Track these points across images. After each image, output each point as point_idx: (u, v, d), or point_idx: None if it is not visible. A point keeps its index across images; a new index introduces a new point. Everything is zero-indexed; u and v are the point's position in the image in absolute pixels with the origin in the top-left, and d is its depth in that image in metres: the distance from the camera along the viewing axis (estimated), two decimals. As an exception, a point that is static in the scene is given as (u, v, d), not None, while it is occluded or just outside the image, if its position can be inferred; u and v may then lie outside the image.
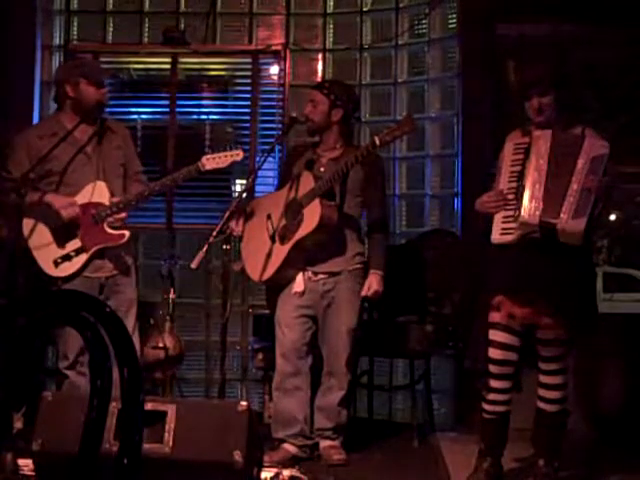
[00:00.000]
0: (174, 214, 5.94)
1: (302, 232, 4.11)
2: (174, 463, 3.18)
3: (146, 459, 2.16)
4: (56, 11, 6.03)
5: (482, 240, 3.73)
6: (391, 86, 5.85)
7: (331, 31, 5.97)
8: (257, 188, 5.36)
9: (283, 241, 4.16)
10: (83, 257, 4.03)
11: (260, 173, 4.61)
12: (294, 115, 4.36)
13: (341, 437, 4.25)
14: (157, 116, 6.14)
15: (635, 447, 4.33)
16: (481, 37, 5.45)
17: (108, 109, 4.57)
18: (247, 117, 5.99)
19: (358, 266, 4.27)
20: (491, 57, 5.47)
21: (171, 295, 5.13)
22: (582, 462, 4.10)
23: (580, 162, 3.49)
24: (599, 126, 3.83)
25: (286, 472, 3.82)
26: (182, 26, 5.97)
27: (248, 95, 6.02)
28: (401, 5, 5.84)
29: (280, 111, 5.91)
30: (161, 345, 4.93)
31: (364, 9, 5.92)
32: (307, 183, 4.15)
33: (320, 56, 5.95)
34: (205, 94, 6.25)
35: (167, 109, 6.00)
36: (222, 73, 6.27)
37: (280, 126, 5.80)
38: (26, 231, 3.99)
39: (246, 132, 5.99)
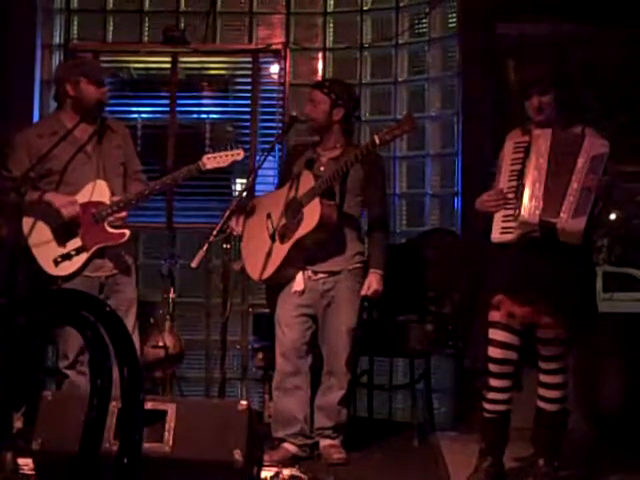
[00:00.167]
0: (174, 213, 5.94)
1: (302, 231, 4.11)
2: (174, 462, 3.18)
3: (146, 458, 2.16)
4: (56, 10, 6.03)
5: (482, 239, 3.73)
6: (391, 85, 5.85)
7: (331, 30, 5.97)
8: (257, 187, 5.36)
9: (283, 240, 4.16)
10: (83, 256, 4.02)
11: (260, 172, 4.61)
12: (294, 114, 4.36)
13: (341, 436, 4.25)
14: (157, 115, 6.15)
15: (635, 447, 4.33)
16: (481, 36, 5.45)
17: (108, 108, 4.58)
18: (247, 116, 5.99)
19: (358, 265, 4.27)
20: (491, 56, 5.47)
21: (171, 294, 5.13)
22: (582, 462, 4.10)
23: (580, 161, 3.49)
24: (599, 125, 3.83)
25: (286, 471, 3.82)
26: (182, 25, 5.97)
27: (248, 94, 6.02)
28: (401, 4, 5.84)
29: (280, 110, 5.92)
30: (161, 344, 4.93)
31: (364, 8, 5.92)
32: (307, 182, 4.15)
33: (320, 55, 5.95)
34: (205, 93, 6.25)
35: (167, 108, 6.00)
36: (222, 72, 6.27)
37: (280, 125, 5.81)
38: (26, 230, 3.98)
39: (246, 131, 6.00)
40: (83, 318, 1.91)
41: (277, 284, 4.28)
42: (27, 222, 3.99)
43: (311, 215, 4.08)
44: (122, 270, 4.15)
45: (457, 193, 5.51)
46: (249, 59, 6.00)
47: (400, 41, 5.84)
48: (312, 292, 4.22)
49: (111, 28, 6.04)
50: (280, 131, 5.56)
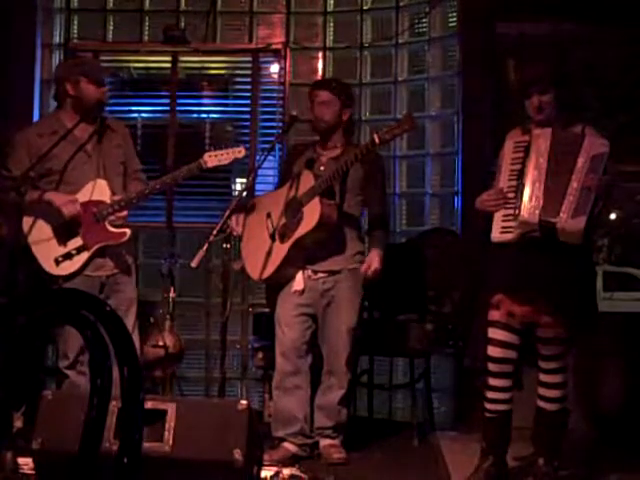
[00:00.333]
0: (174, 213, 5.94)
1: (302, 230, 4.11)
2: (174, 462, 3.18)
3: (146, 458, 2.16)
4: (56, 9, 6.03)
5: (482, 239, 3.73)
6: (391, 85, 5.85)
7: (331, 30, 5.97)
8: (257, 187, 5.36)
9: (283, 240, 4.16)
10: (84, 255, 4.02)
11: (260, 172, 4.61)
12: (294, 114, 4.35)
13: (341, 436, 4.25)
14: (157, 115, 6.14)
15: (635, 447, 4.33)
16: (481, 36, 5.45)
17: (108, 108, 4.58)
18: (247, 116, 5.99)
19: (358, 265, 4.26)
20: (491, 56, 5.47)
21: (171, 294, 5.13)
22: (582, 461, 4.10)
23: (580, 161, 3.49)
24: (599, 125, 3.83)
25: (286, 471, 3.82)
26: (182, 25, 5.97)
27: (248, 94, 6.02)
28: (401, 4, 5.84)
29: (280, 110, 5.91)
30: (161, 344, 4.93)
31: (364, 7, 5.92)
32: (307, 182, 4.15)
33: (320, 55, 5.95)
34: (205, 93, 6.25)
35: (167, 108, 6.00)
36: (222, 72, 6.27)
37: (280, 125, 5.80)
38: (26, 229, 3.98)
39: (246, 131, 5.99)
40: (83, 318, 1.91)
41: (277, 283, 4.28)
42: (27, 221, 3.99)
43: (311, 214, 4.08)
44: (122, 269, 4.15)
45: (457, 192, 5.51)
46: (249, 59, 6.00)
47: (400, 40, 5.83)
48: (312, 291, 4.22)
49: (111, 27, 6.04)
50: (280, 131, 5.57)
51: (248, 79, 6.03)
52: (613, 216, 13.69)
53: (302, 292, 4.21)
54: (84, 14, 6.08)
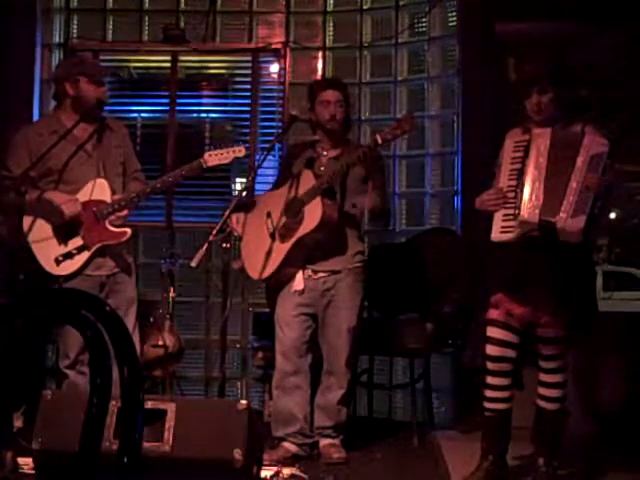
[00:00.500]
0: (174, 212, 5.94)
1: (303, 231, 4.11)
2: (174, 461, 3.18)
3: (146, 458, 2.16)
4: (56, 9, 6.03)
5: (482, 238, 3.73)
6: (391, 84, 5.85)
7: (331, 29, 5.97)
8: (257, 187, 5.36)
9: (283, 239, 4.15)
10: (85, 255, 4.01)
11: (260, 171, 4.61)
12: (294, 113, 4.34)
13: (341, 436, 4.25)
14: (157, 114, 6.15)
15: (635, 447, 4.33)
16: (481, 35, 5.45)
17: (108, 107, 4.58)
18: (247, 115, 5.99)
19: (358, 265, 4.27)
20: (491, 55, 5.47)
21: (171, 293, 5.13)
22: (582, 461, 4.10)
23: (580, 160, 3.49)
24: (599, 125, 3.83)
25: (286, 470, 3.82)
26: (182, 24, 5.97)
27: (248, 93, 6.02)
28: (401, 3, 5.84)
29: (280, 109, 5.91)
30: (161, 343, 4.93)
31: (364, 7, 5.92)
32: (307, 181, 4.15)
33: (320, 54, 5.95)
34: (205, 92, 6.25)
35: (167, 107, 6.00)
36: (222, 71, 6.27)
37: (280, 124, 5.81)
38: (26, 229, 3.98)
39: (246, 130, 5.99)
40: (83, 317, 1.91)
41: (277, 283, 4.28)
42: (27, 221, 3.98)
43: (312, 215, 4.08)
44: (123, 269, 4.15)
45: (457, 192, 5.51)
46: (249, 58, 6.00)
47: (400, 40, 5.83)
48: (312, 291, 4.22)
49: (111, 27, 6.04)
50: (280, 130, 5.57)
51: (248, 79, 6.03)
52: (613, 216, 13.69)
53: (302, 292, 4.21)
54: (84, 14, 6.07)
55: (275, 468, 3.82)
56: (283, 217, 4.16)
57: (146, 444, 3.05)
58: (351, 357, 4.27)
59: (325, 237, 4.15)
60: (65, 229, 4.01)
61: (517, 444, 3.77)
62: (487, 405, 3.65)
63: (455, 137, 5.58)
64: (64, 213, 3.97)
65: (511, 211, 3.57)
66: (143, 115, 6.10)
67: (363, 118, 5.84)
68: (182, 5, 6.03)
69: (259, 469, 3.43)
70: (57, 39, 6.02)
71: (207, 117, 6.16)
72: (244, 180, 5.85)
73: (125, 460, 1.89)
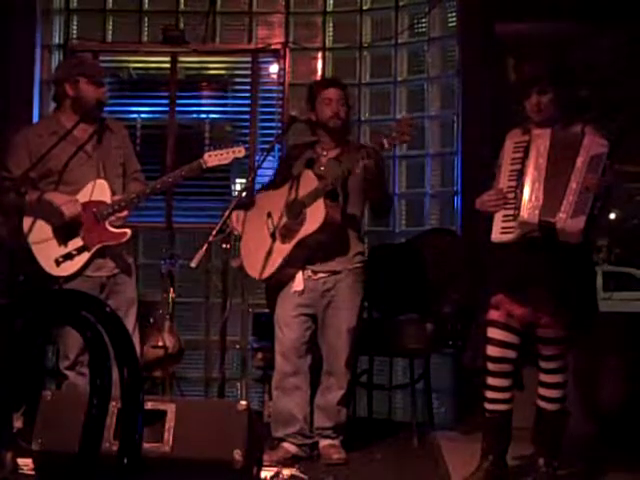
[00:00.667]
0: (174, 213, 5.94)
1: (305, 231, 4.10)
2: (174, 462, 3.18)
3: (146, 458, 2.16)
4: (55, 10, 6.03)
5: (483, 239, 3.73)
6: (391, 85, 5.85)
7: (331, 30, 5.97)
8: (257, 187, 5.34)
9: (284, 240, 4.15)
10: (85, 256, 4.01)
11: (260, 172, 4.61)
12: (294, 114, 4.34)
13: (341, 436, 4.25)
14: (157, 115, 6.15)
15: (635, 447, 4.33)
16: (481, 36, 5.45)
17: (108, 108, 4.57)
18: (247, 116, 5.99)
19: (358, 265, 4.27)
20: (491, 56, 5.47)
21: (171, 294, 5.13)
22: (582, 461, 4.10)
23: (579, 161, 3.49)
24: (599, 125, 3.82)
25: (286, 471, 3.82)
26: (182, 25, 5.97)
27: (248, 94, 6.02)
28: (401, 4, 5.84)
29: (280, 110, 5.91)
30: (161, 344, 4.93)
31: (364, 8, 5.92)
32: (308, 182, 4.14)
33: (320, 55, 5.95)
34: (205, 93, 6.25)
35: (167, 108, 6.00)
36: (222, 72, 6.27)
37: (280, 125, 5.81)
38: (26, 230, 3.98)
39: (246, 131, 5.99)
40: (83, 318, 1.91)
41: (277, 284, 4.28)
42: (27, 222, 3.98)
43: (315, 216, 4.08)
44: (123, 270, 4.15)
45: (457, 192, 5.51)
46: (249, 59, 6.00)
47: (400, 41, 5.83)
48: (312, 292, 4.22)
49: (110, 28, 6.04)
50: (280, 131, 5.57)
51: (247, 79, 6.03)
52: (613, 216, 13.69)
53: (302, 292, 4.21)
54: (83, 14, 6.07)
55: (275, 469, 3.82)
56: (284, 218, 4.16)
57: (146, 445, 3.04)
58: (351, 358, 4.27)
59: (327, 238, 4.15)
60: (65, 230, 4.01)
61: (517, 444, 3.77)
62: (487, 406, 3.65)
63: (455, 137, 5.58)
64: (64, 214, 3.96)
65: (511, 212, 3.57)
66: (143, 116, 6.10)
67: (363, 119, 5.84)
68: (182, 6, 6.03)
69: (259, 470, 3.43)
70: (57, 40, 6.02)
71: (207, 118, 6.16)
72: (244, 181, 5.85)
73: (125, 461, 1.89)
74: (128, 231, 4.09)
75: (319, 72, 5.92)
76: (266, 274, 4.17)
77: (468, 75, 5.47)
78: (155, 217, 5.90)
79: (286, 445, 4.19)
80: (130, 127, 5.02)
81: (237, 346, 5.43)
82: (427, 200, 5.72)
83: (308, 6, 5.99)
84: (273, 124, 5.97)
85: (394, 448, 4.57)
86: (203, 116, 6.17)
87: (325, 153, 4.32)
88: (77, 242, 4.01)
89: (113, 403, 2.19)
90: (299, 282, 4.21)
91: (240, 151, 4.16)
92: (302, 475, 3.83)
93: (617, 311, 8.18)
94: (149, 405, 3.20)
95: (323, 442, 4.24)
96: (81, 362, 3.97)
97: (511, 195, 3.58)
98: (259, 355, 5.03)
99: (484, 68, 5.43)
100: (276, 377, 4.26)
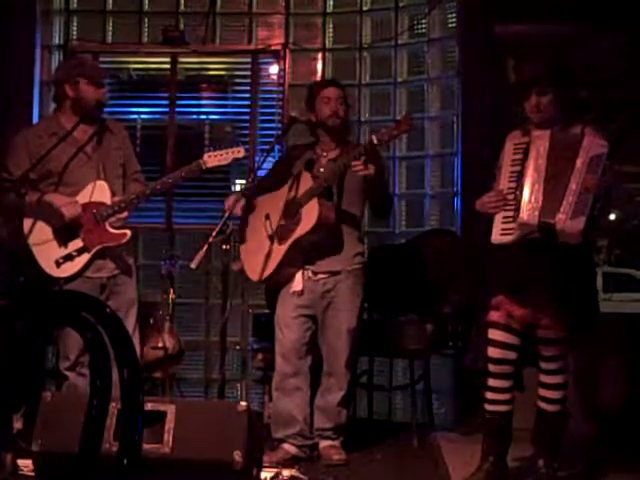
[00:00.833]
0: (174, 214, 5.94)
1: (300, 231, 4.11)
2: (174, 463, 3.18)
3: (146, 459, 2.16)
4: (55, 11, 6.03)
5: (483, 240, 3.73)
6: (391, 85, 5.85)
7: (331, 31, 5.97)
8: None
9: (282, 241, 4.15)
10: (85, 257, 4.01)
11: (260, 173, 4.60)
12: (294, 115, 4.34)
13: (341, 437, 4.25)
14: (157, 116, 6.15)
15: (635, 447, 4.33)
16: (480, 37, 5.45)
17: (107, 109, 4.57)
18: (247, 117, 5.99)
19: (358, 266, 4.27)
20: (491, 56, 5.47)
21: (171, 295, 5.13)
22: (582, 462, 4.10)
23: (579, 162, 3.48)
24: (599, 126, 3.82)
25: (286, 472, 3.82)
26: (182, 26, 5.98)
27: (248, 95, 6.02)
28: (401, 5, 5.84)
29: (280, 111, 5.91)
30: (161, 345, 4.93)
31: (364, 8, 5.92)
32: (306, 183, 4.15)
33: (320, 56, 5.95)
34: (205, 94, 6.26)
35: (167, 109, 6.00)
36: (222, 73, 6.27)
37: (280, 126, 5.81)
38: (26, 231, 3.97)
39: (246, 132, 6.00)
40: (83, 319, 1.91)
41: (277, 284, 4.28)
42: (27, 223, 3.98)
43: (309, 215, 4.08)
44: (123, 271, 4.15)
45: (457, 193, 5.51)
46: (248, 60, 6.00)
47: (400, 41, 5.83)
48: (312, 293, 4.22)
49: (110, 29, 6.04)
50: (279, 132, 5.57)
51: (247, 80, 6.03)
52: (613, 217, 13.69)
53: (301, 293, 4.21)
54: (83, 15, 6.08)
55: (275, 470, 3.82)
56: (281, 219, 4.16)
57: (146, 446, 3.04)
58: (351, 358, 4.27)
59: (323, 238, 4.15)
60: (65, 231, 4.01)
61: (517, 445, 3.77)
62: (488, 407, 3.65)
63: (455, 138, 5.58)
64: (64, 215, 3.96)
65: (511, 213, 3.56)
66: (143, 117, 6.10)
67: (363, 119, 5.84)
68: (182, 7, 6.04)
69: (259, 471, 3.42)
70: (57, 41, 6.02)
71: (207, 118, 6.16)
72: (244, 181, 5.85)
73: (125, 462, 1.89)
74: (128, 232, 4.09)
75: (319, 73, 5.92)
76: (265, 275, 4.17)
77: (468, 76, 5.47)
78: (155, 218, 5.90)
79: (286, 446, 4.19)
80: (130, 128, 5.02)
81: (237, 347, 5.43)
82: (427, 201, 5.72)
83: (308, 7, 6.00)
84: (273, 125, 5.98)
85: (394, 449, 4.57)
86: (203, 117, 6.18)
87: (325, 154, 4.32)
88: (77, 243, 4.02)
89: (113, 404, 2.18)
90: (298, 282, 4.21)
91: (240, 152, 4.16)
92: (302, 476, 3.83)
93: (617, 312, 8.17)
94: (149, 406, 3.20)
95: (323, 443, 4.24)
96: (81, 363, 3.97)
97: (511, 196, 3.58)
98: (259, 356, 5.03)
99: (484, 69, 5.43)
100: (276, 378, 4.26)
